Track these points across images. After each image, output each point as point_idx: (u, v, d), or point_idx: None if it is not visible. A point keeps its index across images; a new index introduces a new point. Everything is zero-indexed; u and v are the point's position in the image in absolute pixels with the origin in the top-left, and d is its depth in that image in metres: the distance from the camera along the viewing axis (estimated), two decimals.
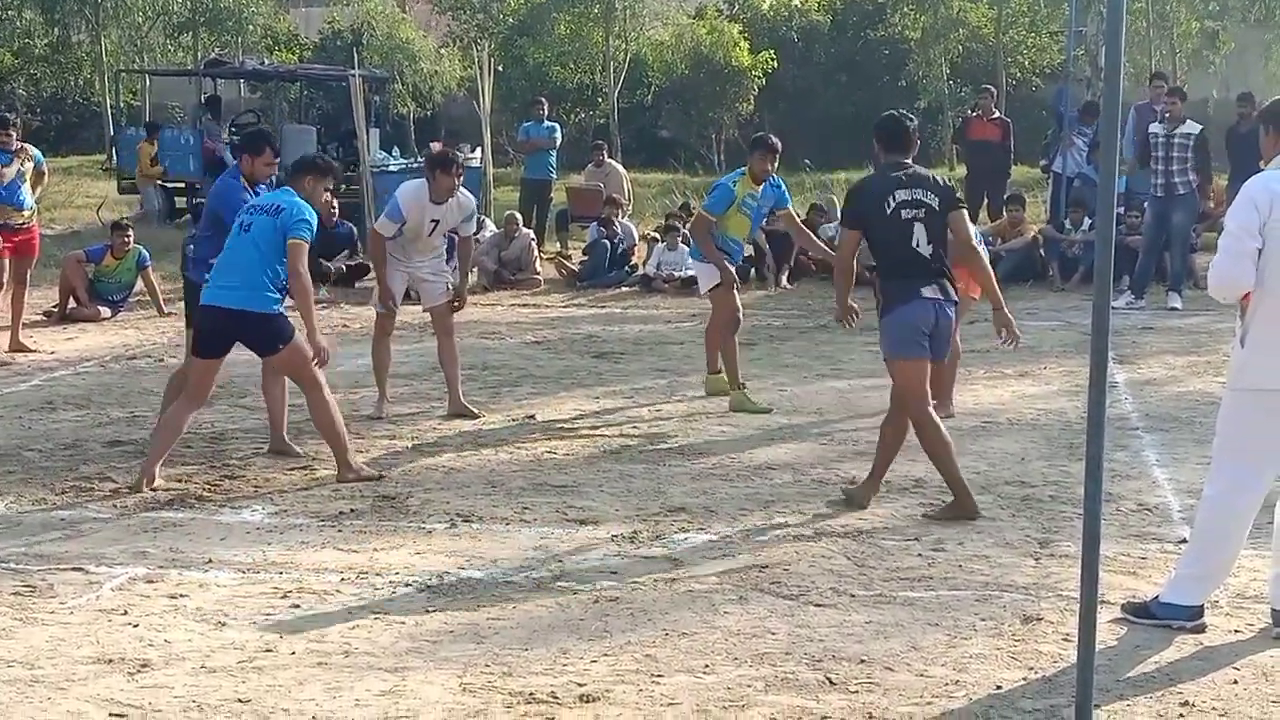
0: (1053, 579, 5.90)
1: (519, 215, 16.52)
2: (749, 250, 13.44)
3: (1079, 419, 8.50)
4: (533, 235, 16.45)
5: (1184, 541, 5.94)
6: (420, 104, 32.14)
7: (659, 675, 4.89)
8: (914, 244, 6.78)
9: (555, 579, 5.93)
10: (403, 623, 5.39)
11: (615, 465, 7.87)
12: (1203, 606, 5.35)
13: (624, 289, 15.43)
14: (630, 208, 19.07)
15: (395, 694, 4.72)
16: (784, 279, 15.32)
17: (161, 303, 13.57)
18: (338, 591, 5.77)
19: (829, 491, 7.30)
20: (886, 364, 6.99)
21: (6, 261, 11.51)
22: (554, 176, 19.60)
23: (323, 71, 26.46)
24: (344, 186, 18.20)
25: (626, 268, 15.95)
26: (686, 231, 13.60)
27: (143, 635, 5.27)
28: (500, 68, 27.73)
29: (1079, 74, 19.72)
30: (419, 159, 18.81)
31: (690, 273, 12.42)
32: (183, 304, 9.00)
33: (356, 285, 14.93)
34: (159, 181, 21.64)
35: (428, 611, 5.52)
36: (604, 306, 14.36)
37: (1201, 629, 5.31)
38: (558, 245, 18.24)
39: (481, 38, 30.66)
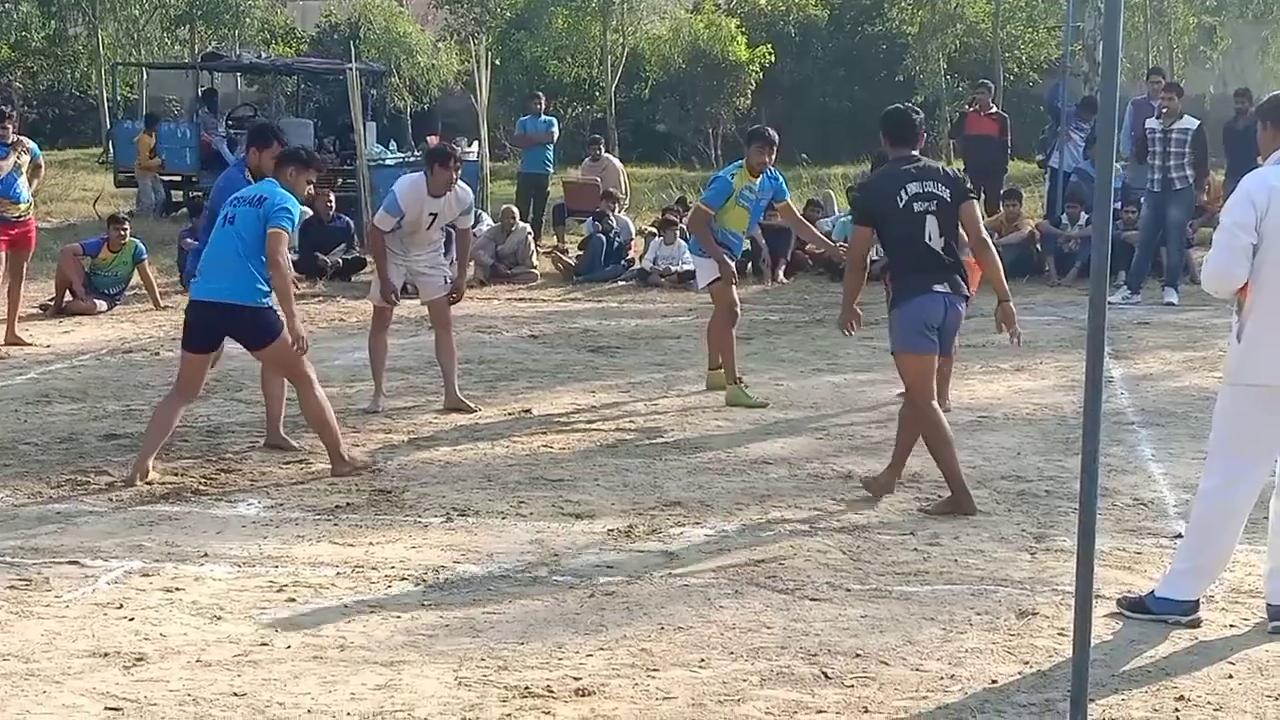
0: (1048, 574, 5.90)
1: (516, 209, 16.51)
2: (745, 244, 13.42)
3: (1075, 414, 8.50)
4: (529, 229, 16.44)
5: (1179, 536, 5.94)
6: (417, 98, 32.09)
7: (654, 669, 4.89)
8: (927, 238, 6.75)
9: (551, 573, 5.93)
10: (398, 617, 5.39)
11: (611, 460, 7.86)
12: (1198, 601, 5.36)
13: (620, 283, 15.43)
14: (627, 202, 19.08)
15: (390, 688, 4.72)
16: (780, 274, 15.33)
17: (158, 296, 13.57)
18: (333, 585, 5.77)
19: (825, 486, 7.30)
20: (894, 357, 6.98)
21: (3, 255, 11.50)
22: (551, 171, 19.61)
23: (320, 65, 26.45)
24: (340, 181, 18.23)
25: (623, 262, 15.94)
26: (684, 226, 13.59)
27: (138, 629, 5.27)
28: (497, 62, 27.70)
29: (1076, 69, 19.66)
30: (416, 153, 18.80)
31: (687, 267, 12.43)
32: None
33: (353, 279, 14.93)
34: (156, 174, 21.66)
35: (423, 605, 5.52)
36: (600, 301, 14.35)
37: (1197, 624, 5.31)
38: (554, 239, 18.22)
39: (479, 31, 30.61)
